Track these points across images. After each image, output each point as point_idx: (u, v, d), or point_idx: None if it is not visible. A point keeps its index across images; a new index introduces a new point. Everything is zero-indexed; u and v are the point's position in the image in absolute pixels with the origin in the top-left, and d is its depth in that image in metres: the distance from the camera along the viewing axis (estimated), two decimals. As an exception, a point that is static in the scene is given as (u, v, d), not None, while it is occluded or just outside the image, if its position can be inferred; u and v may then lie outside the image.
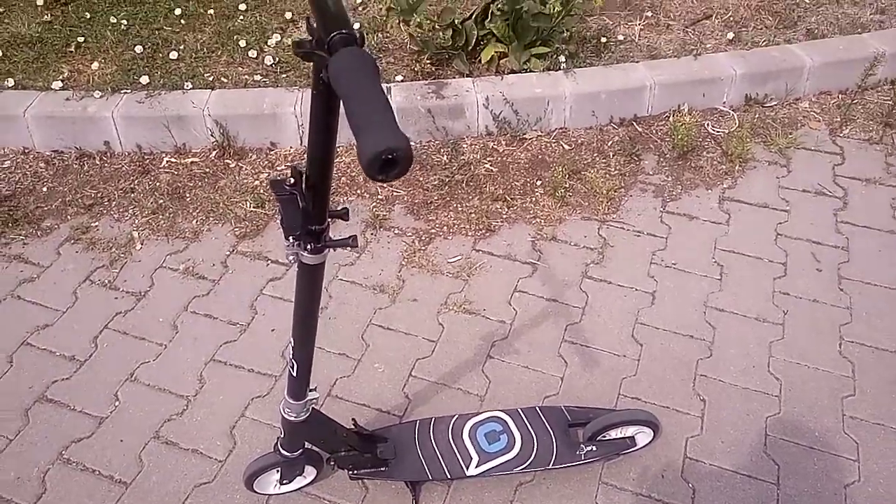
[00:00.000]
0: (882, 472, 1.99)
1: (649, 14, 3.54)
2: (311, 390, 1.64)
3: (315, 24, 0.99)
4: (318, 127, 1.14)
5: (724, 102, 3.21)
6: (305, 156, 1.19)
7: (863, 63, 3.19)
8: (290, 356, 1.54)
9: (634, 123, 3.16)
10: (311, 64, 1.04)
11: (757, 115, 3.18)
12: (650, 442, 2.02)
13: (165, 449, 2.09)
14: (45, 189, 2.93)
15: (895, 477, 1.98)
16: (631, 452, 2.01)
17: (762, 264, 2.58)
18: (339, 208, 1.32)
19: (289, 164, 2.99)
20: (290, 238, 1.28)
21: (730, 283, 2.52)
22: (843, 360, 2.27)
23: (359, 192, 2.89)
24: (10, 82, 3.12)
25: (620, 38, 3.39)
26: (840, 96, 3.28)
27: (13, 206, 2.84)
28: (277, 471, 1.88)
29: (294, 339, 1.52)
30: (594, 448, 1.93)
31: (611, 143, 3.07)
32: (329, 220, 1.29)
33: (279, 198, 1.21)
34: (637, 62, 3.22)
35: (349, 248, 1.28)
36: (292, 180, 1.19)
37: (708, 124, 3.14)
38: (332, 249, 1.31)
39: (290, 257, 1.32)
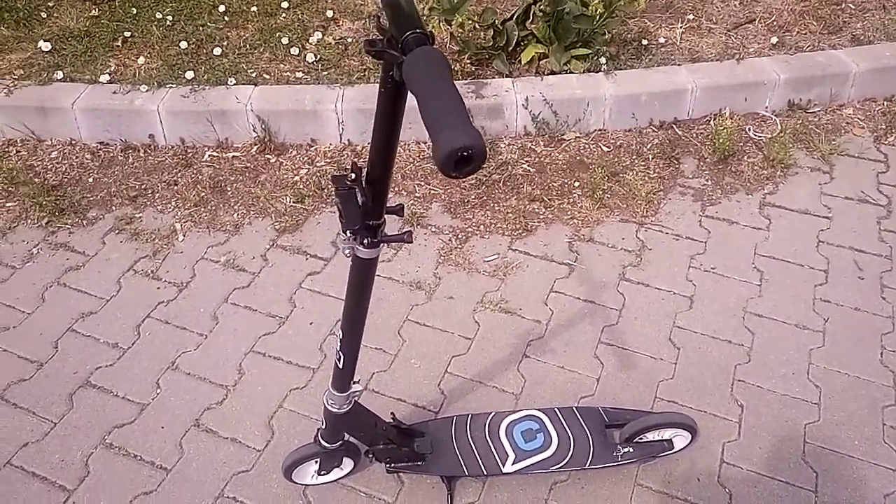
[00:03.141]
0: (924, 484, 1.97)
1: (691, 17, 3.52)
2: (354, 383, 1.66)
3: (386, 24, 1.02)
4: (383, 124, 1.16)
5: (767, 107, 3.18)
6: (359, 148, 1.21)
7: (910, 70, 3.14)
8: (338, 348, 1.56)
9: (674, 126, 3.14)
10: (381, 63, 1.07)
11: (800, 121, 3.14)
12: (688, 445, 2.01)
13: (205, 437, 2.12)
14: (90, 180, 3.00)
15: (938, 489, 1.95)
16: (667, 455, 2.00)
17: (803, 271, 2.55)
18: (394, 205, 1.34)
19: (328, 160, 3.02)
20: (348, 232, 1.30)
21: (770, 289, 2.49)
22: (884, 369, 2.24)
23: (396, 189, 2.91)
24: (59, 75, 3.20)
25: (662, 40, 3.37)
26: (885, 103, 3.23)
27: (60, 196, 2.91)
28: (316, 461, 1.91)
29: (343, 331, 1.54)
30: (631, 450, 1.93)
31: (650, 145, 3.06)
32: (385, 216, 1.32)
33: (339, 192, 1.23)
34: (678, 65, 3.20)
35: (401, 243, 1.31)
36: (353, 176, 1.22)
37: (749, 129, 3.11)
38: (387, 245, 1.34)
39: (346, 251, 1.34)
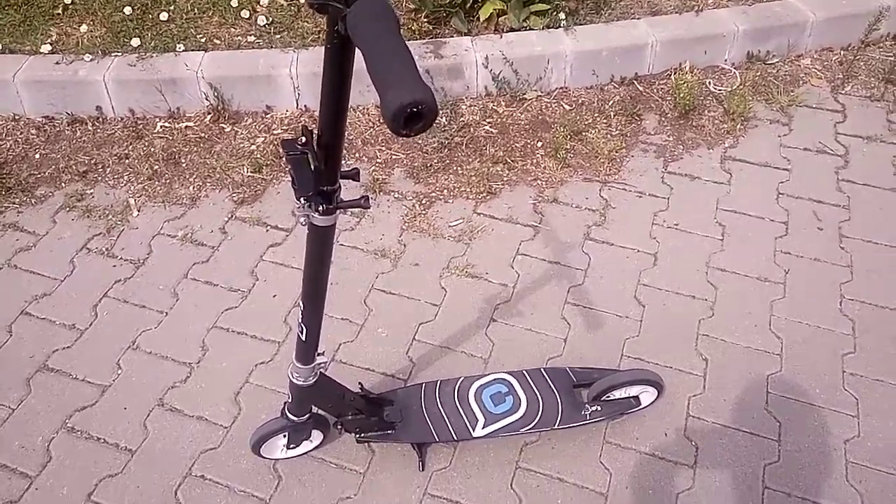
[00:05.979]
0: (881, 427, 2.02)
1: (649, -31, 3.46)
2: (319, 354, 1.64)
3: None
4: (332, 82, 1.10)
5: (726, 60, 3.17)
6: (317, 115, 1.16)
7: (866, 18, 3.15)
8: (300, 320, 1.53)
9: (635, 82, 3.11)
10: (325, 17, 1.01)
11: (758, 73, 3.14)
12: (654, 401, 2.03)
13: (170, 416, 2.09)
14: (37, 156, 2.88)
15: (894, 432, 2.00)
16: (635, 412, 2.02)
17: (764, 223, 2.57)
18: (348, 169, 1.29)
19: (284, 127, 2.95)
20: (302, 199, 1.25)
21: (731, 242, 2.51)
22: (843, 317, 2.28)
23: (357, 155, 2.85)
24: (-3, 46, 3.06)
25: (620, -6, 3.32)
26: (842, 52, 3.24)
27: (5, 174, 2.80)
28: (285, 435, 1.89)
29: (304, 302, 1.50)
30: (599, 408, 1.94)
31: (612, 102, 3.03)
32: (340, 181, 1.27)
33: (290, 157, 1.17)
34: (638, 19, 3.16)
35: (361, 210, 1.26)
36: (303, 139, 1.16)
37: (709, 82, 3.10)
38: (343, 211, 1.29)
39: (302, 219, 1.30)
